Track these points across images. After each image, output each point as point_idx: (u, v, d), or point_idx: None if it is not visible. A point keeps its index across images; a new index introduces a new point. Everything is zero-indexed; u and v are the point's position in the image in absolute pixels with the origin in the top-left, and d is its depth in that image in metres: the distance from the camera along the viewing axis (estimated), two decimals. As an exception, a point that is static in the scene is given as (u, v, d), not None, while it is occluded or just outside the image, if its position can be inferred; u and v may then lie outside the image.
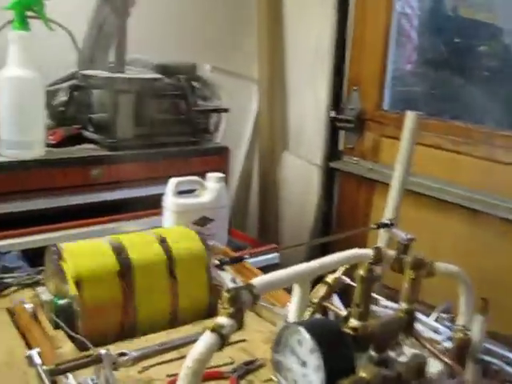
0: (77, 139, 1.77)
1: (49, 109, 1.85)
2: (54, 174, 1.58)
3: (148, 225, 1.50)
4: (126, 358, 0.94)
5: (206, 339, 0.58)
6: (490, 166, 1.87)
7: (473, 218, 1.90)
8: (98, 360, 0.80)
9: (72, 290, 1.03)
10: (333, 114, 2.35)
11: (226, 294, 0.60)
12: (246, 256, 0.66)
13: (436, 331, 0.98)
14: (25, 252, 1.37)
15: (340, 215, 2.44)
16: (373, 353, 0.65)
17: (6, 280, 1.21)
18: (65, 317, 1.05)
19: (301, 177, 2.49)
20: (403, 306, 0.69)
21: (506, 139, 1.84)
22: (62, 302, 1.07)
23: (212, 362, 0.95)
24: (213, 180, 1.57)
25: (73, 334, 1.00)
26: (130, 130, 1.74)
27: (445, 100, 2.16)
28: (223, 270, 0.62)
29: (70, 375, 0.82)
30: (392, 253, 0.82)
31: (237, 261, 0.64)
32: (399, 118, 2.06)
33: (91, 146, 1.76)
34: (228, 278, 0.60)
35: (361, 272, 0.63)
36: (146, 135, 1.80)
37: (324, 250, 1.99)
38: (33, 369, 0.78)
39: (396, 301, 1.09)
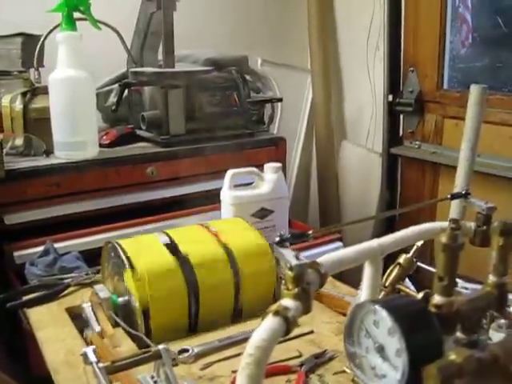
0: (130, 138, 1.75)
1: (102, 111, 1.84)
2: (108, 173, 1.55)
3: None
4: (186, 354, 0.89)
5: (269, 324, 0.51)
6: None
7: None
8: (156, 356, 0.75)
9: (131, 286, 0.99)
10: (391, 98, 2.26)
11: (289, 273, 0.53)
12: (309, 232, 0.59)
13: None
14: (82, 253, 1.36)
15: (404, 203, 2.34)
16: (460, 335, 0.57)
17: (65, 280, 1.20)
18: (124, 315, 1.02)
19: (361, 165, 2.41)
20: (492, 279, 0.60)
21: None
22: (120, 299, 1.04)
23: (278, 356, 0.90)
24: (270, 170, 1.51)
25: (132, 331, 0.96)
26: (182, 125, 1.70)
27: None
28: (285, 247, 0.55)
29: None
30: (471, 224, 0.74)
31: (300, 237, 0.58)
32: (461, 97, 1.96)
33: (145, 144, 1.73)
34: (290, 254, 0.53)
35: (443, 239, 0.55)
36: (200, 129, 1.76)
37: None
38: (90, 367, 0.74)
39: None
